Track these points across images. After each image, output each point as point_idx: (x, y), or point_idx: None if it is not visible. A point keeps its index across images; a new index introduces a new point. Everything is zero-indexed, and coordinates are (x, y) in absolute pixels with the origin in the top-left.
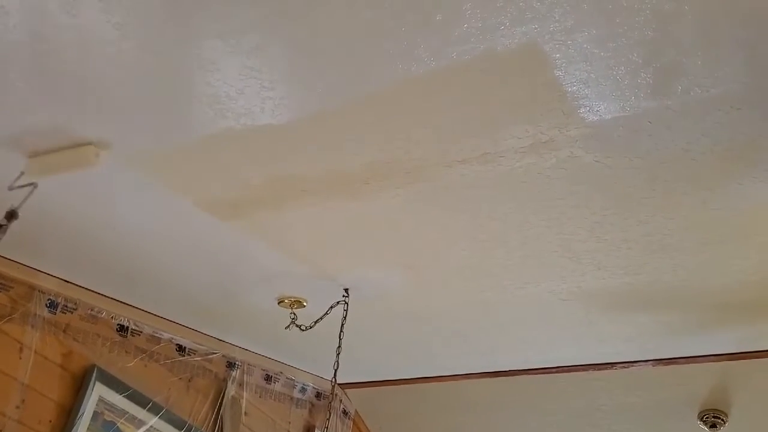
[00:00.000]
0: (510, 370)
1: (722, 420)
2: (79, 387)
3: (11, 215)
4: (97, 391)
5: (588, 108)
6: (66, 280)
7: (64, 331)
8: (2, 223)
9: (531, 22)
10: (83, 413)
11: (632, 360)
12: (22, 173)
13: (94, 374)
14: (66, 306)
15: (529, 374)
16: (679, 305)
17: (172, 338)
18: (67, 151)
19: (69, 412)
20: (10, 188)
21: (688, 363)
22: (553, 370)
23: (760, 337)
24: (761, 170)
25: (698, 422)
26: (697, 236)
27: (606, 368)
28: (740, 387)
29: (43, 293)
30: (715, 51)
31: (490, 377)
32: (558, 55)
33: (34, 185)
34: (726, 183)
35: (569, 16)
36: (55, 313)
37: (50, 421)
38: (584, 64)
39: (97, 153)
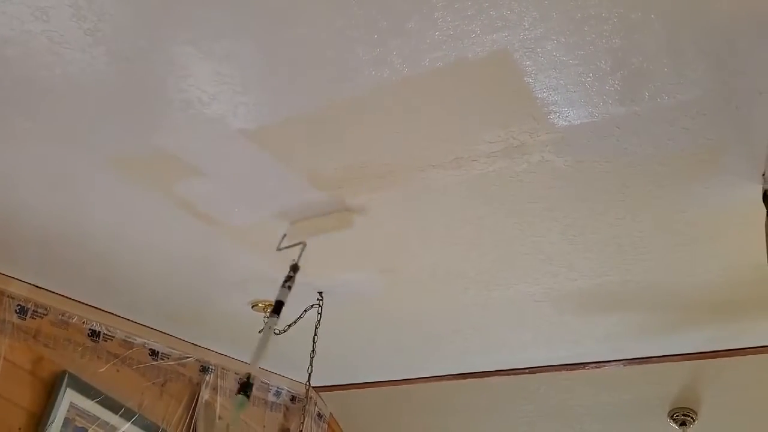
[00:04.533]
0: (484, 372)
1: (692, 418)
2: (49, 393)
3: (295, 268)
4: (68, 397)
5: (558, 114)
6: (36, 285)
7: (34, 337)
8: (290, 275)
9: (501, 31)
10: (54, 420)
11: (604, 360)
12: (285, 235)
13: (65, 380)
14: (36, 311)
15: (503, 375)
16: (649, 305)
17: (145, 343)
18: (327, 217)
19: (39, 419)
20: (279, 249)
21: (659, 362)
22: (527, 370)
23: (728, 337)
24: (727, 173)
25: (668, 420)
26: (666, 238)
27: (578, 368)
28: (709, 385)
29: (13, 299)
30: (681, 59)
31: (464, 379)
32: (528, 63)
33: (303, 244)
34: (693, 186)
35: (539, 24)
36: (25, 319)
37: (19, 429)
38: (554, 72)
39: (352, 218)
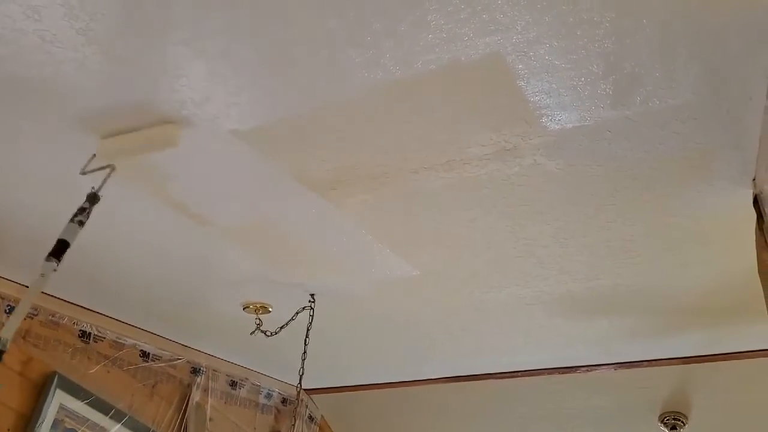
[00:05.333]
0: (476, 375)
1: (682, 422)
2: (38, 394)
3: (93, 198)
4: (58, 398)
5: (550, 117)
6: (26, 286)
7: (24, 338)
8: (85, 206)
9: (494, 34)
10: (43, 421)
11: (594, 363)
12: (94, 155)
13: (55, 381)
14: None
15: (495, 378)
16: (639, 309)
17: (136, 344)
18: (146, 130)
19: (28, 420)
20: (83, 173)
21: (649, 366)
22: (518, 374)
23: (718, 341)
24: (718, 178)
25: (659, 424)
26: (656, 242)
27: (569, 372)
28: (699, 390)
29: (2, 299)
30: (672, 64)
31: (457, 381)
32: (520, 66)
33: (111, 167)
34: (684, 190)
35: (531, 28)
36: None
37: (8, 430)
38: (546, 75)
39: (180, 132)
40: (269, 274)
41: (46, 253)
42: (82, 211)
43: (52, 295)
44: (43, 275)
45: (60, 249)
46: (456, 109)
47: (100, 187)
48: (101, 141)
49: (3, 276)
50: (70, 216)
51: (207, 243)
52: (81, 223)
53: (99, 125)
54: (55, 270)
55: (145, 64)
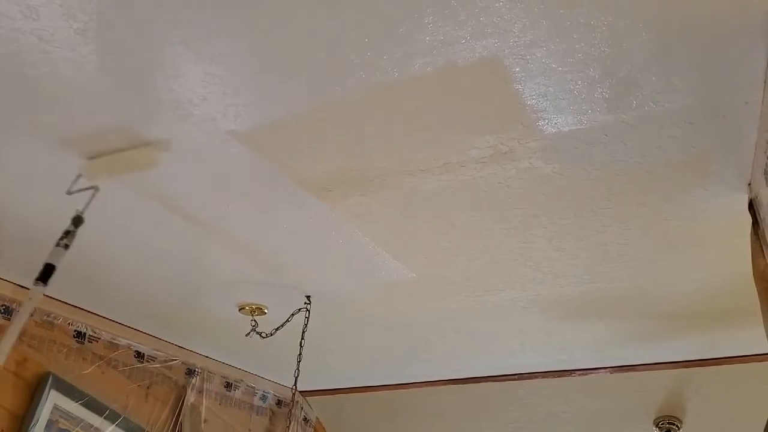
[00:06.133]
0: (471, 378)
1: (677, 426)
2: (32, 395)
3: (78, 221)
4: (52, 398)
5: (546, 121)
6: (21, 286)
7: (19, 338)
8: (70, 229)
9: (491, 37)
10: (37, 421)
11: (590, 367)
12: (80, 176)
13: (49, 382)
14: None
15: (491, 381)
16: (635, 313)
17: (131, 345)
18: (127, 152)
19: (22, 421)
20: (69, 192)
21: (645, 370)
22: (514, 377)
23: (714, 346)
24: (714, 182)
25: (654, 428)
26: (652, 246)
27: (565, 375)
28: (694, 394)
29: None
30: (669, 67)
31: (452, 384)
32: (517, 69)
33: (95, 188)
34: (680, 194)
35: (528, 31)
36: (9, 320)
37: (2, 430)
38: (543, 78)
39: (160, 154)
40: (265, 276)
41: (42, 252)
42: (66, 234)
43: (47, 296)
44: (30, 299)
45: (47, 273)
46: (453, 111)
47: (84, 210)
48: (87, 162)
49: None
50: (62, 214)
51: (203, 244)
52: (66, 246)
53: (82, 145)
54: (43, 294)
55: (142, 64)
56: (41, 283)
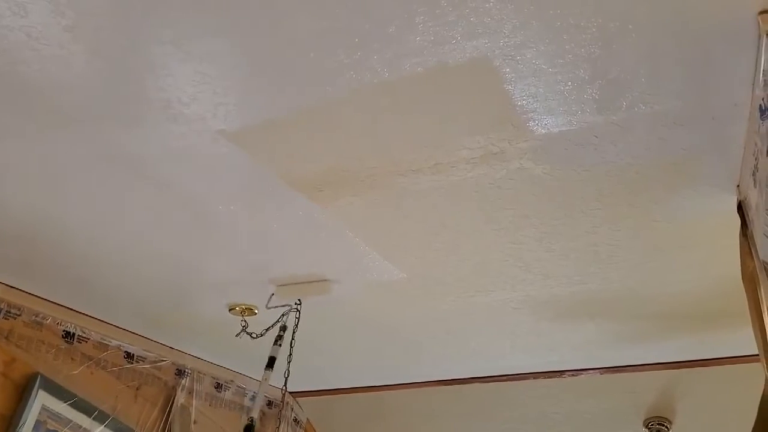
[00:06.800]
0: (462, 379)
1: (666, 427)
2: (20, 395)
3: (284, 329)
4: (40, 399)
5: (537, 121)
6: (10, 285)
7: (7, 338)
8: (280, 334)
9: (481, 37)
10: (25, 422)
11: (580, 368)
12: (273, 295)
13: (38, 382)
14: (9, 312)
15: (481, 382)
16: (625, 314)
17: (120, 345)
18: (310, 284)
19: (10, 422)
20: (268, 307)
21: (634, 371)
22: (504, 378)
23: (703, 346)
24: (703, 184)
25: (644, 429)
26: (642, 247)
27: (555, 376)
28: (684, 395)
29: None
30: (658, 69)
31: (443, 385)
32: (508, 70)
33: (290, 307)
34: (669, 196)
35: (518, 32)
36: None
37: None
38: (533, 79)
39: (330, 287)
40: (255, 276)
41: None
42: (278, 338)
43: (35, 295)
44: (265, 379)
45: (271, 363)
46: (443, 111)
47: (286, 320)
48: (277, 288)
49: None
50: (54, 213)
51: (192, 244)
52: (280, 345)
53: None
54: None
55: (132, 62)
56: (269, 369)
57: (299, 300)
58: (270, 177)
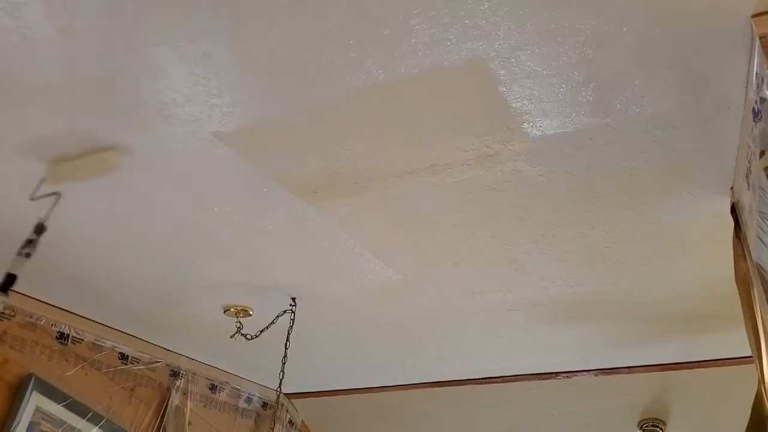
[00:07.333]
0: (457, 380)
1: (660, 429)
2: (14, 397)
3: (40, 229)
4: (34, 400)
5: (531, 124)
6: None
7: (1, 339)
8: (32, 238)
9: (477, 39)
10: (18, 423)
11: (575, 370)
12: (43, 180)
13: (31, 383)
14: (3, 313)
15: (476, 384)
16: (619, 316)
17: (115, 346)
18: (89, 156)
19: (3, 423)
20: (32, 198)
21: (629, 373)
22: (499, 379)
23: (697, 348)
24: (697, 186)
25: (638, 431)
26: (636, 249)
27: (549, 378)
28: (678, 396)
29: None
30: (651, 72)
31: (438, 387)
32: (503, 72)
33: (57, 195)
34: (663, 198)
35: (513, 34)
36: None
37: None
38: (528, 81)
39: (120, 158)
40: (250, 278)
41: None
42: (29, 243)
43: (29, 296)
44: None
45: (8, 282)
46: (439, 113)
47: (46, 217)
48: (49, 164)
49: None
50: (52, 214)
51: (187, 245)
52: (28, 255)
53: (50, 148)
54: (5, 302)
55: (126, 64)
56: (2, 294)
57: (294, 301)
58: (265, 178)
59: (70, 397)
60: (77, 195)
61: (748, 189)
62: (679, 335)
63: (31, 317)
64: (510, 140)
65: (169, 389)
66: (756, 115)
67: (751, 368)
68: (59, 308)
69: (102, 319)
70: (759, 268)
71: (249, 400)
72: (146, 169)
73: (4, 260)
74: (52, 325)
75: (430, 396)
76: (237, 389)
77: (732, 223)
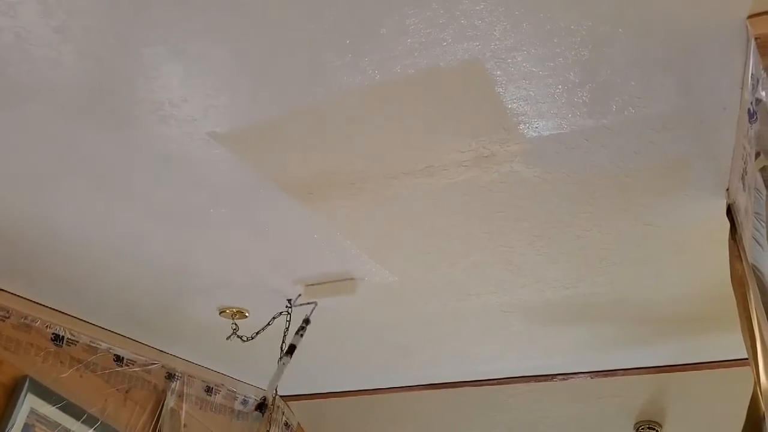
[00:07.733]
0: (453, 382)
1: (656, 431)
2: (9, 399)
3: (307, 322)
4: (29, 402)
5: (527, 125)
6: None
7: None
8: (303, 326)
9: (473, 40)
10: (12, 426)
11: (571, 372)
12: (300, 295)
13: (26, 385)
14: None
15: (472, 386)
16: (615, 318)
17: (110, 348)
18: (334, 283)
19: None
20: (294, 305)
21: (625, 375)
22: (495, 381)
23: (693, 350)
24: (692, 187)
25: None
26: (632, 251)
27: (546, 380)
28: (674, 398)
29: None
30: (648, 72)
31: (434, 389)
32: (499, 73)
33: (315, 303)
34: (659, 199)
35: (509, 35)
36: None
37: None
38: (524, 82)
39: (356, 286)
40: (246, 279)
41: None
42: (302, 329)
43: (24, 297)
44: (284, 364)
45: (291, 350)
46: (435, 114)
47: (309, 315)
48: (305, 287)
49: None
50: (43, 214)
51: (183, 246)
52: (302, 335)
53: None
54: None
55: (122, 63)
56: (289, 356)
57: (289, 302)
58: (260, 179)
59: (65, 399)
60: (74, 195)
61: (744, 190)
62: (675, 337)
63: (25, 318)
64: (506, 141)
65: (164, 391)
66: (751, 116)
67: (747, 370)
68: (54, 310)
69: (97, 320)
70: (754, 269)
71: (245, 402)
72: (141, 170)
73: (4, 260)
74: (47, 326)
75: (426, 398)
76: (233, 391)
77: (728, 224)
